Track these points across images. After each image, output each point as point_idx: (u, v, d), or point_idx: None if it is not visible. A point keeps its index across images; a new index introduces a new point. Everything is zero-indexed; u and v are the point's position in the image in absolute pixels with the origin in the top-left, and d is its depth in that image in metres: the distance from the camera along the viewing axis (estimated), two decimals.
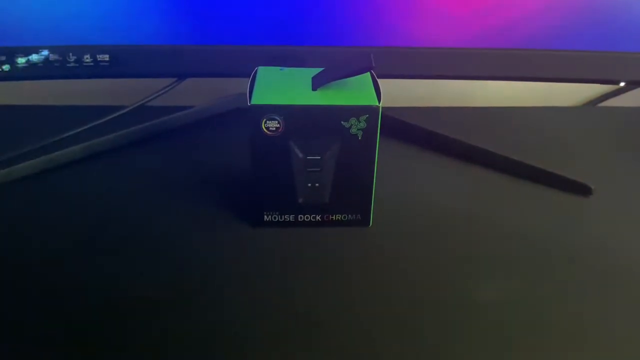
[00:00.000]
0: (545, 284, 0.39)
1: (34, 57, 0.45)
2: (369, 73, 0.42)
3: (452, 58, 0.48)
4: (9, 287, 0.38)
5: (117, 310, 0.36)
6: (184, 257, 0.41)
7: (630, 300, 0.38)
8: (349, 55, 0.47)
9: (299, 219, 0.43)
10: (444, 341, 0.35)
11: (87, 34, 0.45)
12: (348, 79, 0.41)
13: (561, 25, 0.47)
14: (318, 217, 0.43)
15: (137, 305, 0.37)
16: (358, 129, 0.39)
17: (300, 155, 0.40)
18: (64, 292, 0.38)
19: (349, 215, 0.43)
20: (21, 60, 0.45)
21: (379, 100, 0.39)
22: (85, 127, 0.50)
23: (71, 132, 0.50)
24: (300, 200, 0.42)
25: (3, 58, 0.46)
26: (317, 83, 0.40)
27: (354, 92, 0.40)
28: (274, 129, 0.39)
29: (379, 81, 0.41)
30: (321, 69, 0.41)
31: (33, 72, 0.46)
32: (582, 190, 0.48)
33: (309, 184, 0.42)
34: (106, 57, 0.46)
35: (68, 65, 0.46)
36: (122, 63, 0.47)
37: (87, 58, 0.46)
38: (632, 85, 0.54)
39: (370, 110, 0.39)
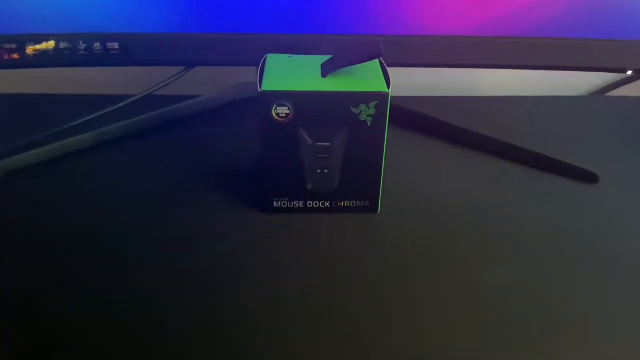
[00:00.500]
0: (552, 272, 0.39)
1: (44, 45, 0.46)
2: (377, 60, 0.42)
3: (459, 46, 0.48)
4: (17, 274, 0.38)
5: (125, 299, 0.37)
6: (193, 244, 0.41)
7: (638, 287, 0.38)
8: (356, 44, 0.47)
9: (308, 206, 0.43)
10: (452, 329, 0.35)
11: (97, 22, 0.46)
12: (357, 66, 0.41)
13: (568, 13, 0.47)
14: (327, 204, 0.43)
15: (146, 294, 0.37)
16: (367, 116, 0.40)
17: (310, 141, 0.41)
18: (72, 280, 0.38)
19: (358, 202, 0.43)
20: (31, 48, 0.46)
21: (389, 87, 0.39)
22: (94, 115, 0.51)
23: (80, 121, 0.50)
24: (310, 187, 0.43)
25: (14, 46, 0.46)
26: (327, 70, 0.41)
27: (364, 78, 0.40)
28: (284, 115, 0.39)
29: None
30: (330, 56, 0.42)
31: (43, 60, 0.46)
32: (589, 178, 0.48)
33: (318, 171, 0.42)
34: (116, 45, 0.46)
35: (78, 53, 0.46)
36: (132, 51, 0.47)
37: (97, 46, 0.46)
38: (639, 74, 0.54)
39: (380, 97, 0.39)
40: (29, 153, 0.48)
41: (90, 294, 0.37)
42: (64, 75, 0.58)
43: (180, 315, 0.35)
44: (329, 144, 0.41)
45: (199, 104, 0.56)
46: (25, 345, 0.33)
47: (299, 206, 0.43)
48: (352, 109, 0.39)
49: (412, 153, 0.52)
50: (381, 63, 0.42)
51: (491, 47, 0.48)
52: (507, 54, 0.49)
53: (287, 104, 0.39)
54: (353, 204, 0.43)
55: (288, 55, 0.44)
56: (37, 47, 0.46)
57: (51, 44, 0.46)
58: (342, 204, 0.43)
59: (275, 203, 0.43)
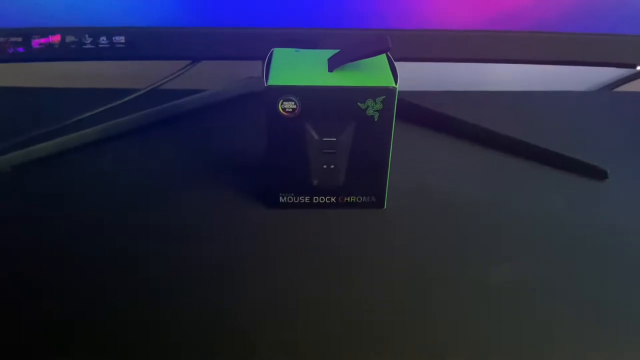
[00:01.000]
0: (560, 267, 0.39)
1: (50, 39, 0.46)
2: (384, 55, 0.42)
3: (467, 41, 0.48)
4: (23, 266, 0.38)
5: (134, 292, 0.37)
6: (199, 239, 0.41)
7: None
8: (361, 38, 0.47)
9: (314, 201, 0.43)
10: (460, 325, 0.35)
11: (103, 16, 0.46)
12: (364, 60, 0.41)
13: (576, 8, 0.47)
14: (333, 199, 0.43)
15: (152, 287, 0.37)
16: (374, 111, 0.39)
17: (316, 136, 0.40)
18: (76, 273, 0.38)
19: (364, 197, 0.43)
20: (37, 42, 0.46)
21: (396, 82, 0.39)
22: (100, 109, 0.51)
23: (86, 115, 0.50)
24: (316, 182, 0.42)
25: (19, 39, 0.46)
26: (334, 64, 0.40)
27: (371, 73, 0.40)
28: (291, 110, 0.39)
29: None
30: (336, 50, 0.41)
31: (49, 54, 0.46)
32: (598, 174, 0.47)
33: (324, 166, 0.42)
34: (122, 39, 0.46)
35: (84, 47, 0.46)
36: (138, 45, 0.47)
37: (103, 40, 0.46)
38: None
39: (387, 92, 0.39)
40: (36, 147, 0.48)
41: (96, 286, 0.37)
42: (70, 69, 0.58)
43: (186, 310, 0.35)
44: (335, 139, 0.41)
45: (205, 98, 0.56)
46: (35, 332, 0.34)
47: (305, 201, 0.43)
48: (359, 104, 0.39)
49: (418, 148, 0.51)
50: (388, 57, 0.42)
51: (499, 42, 0.48)
52: (515, 49, 0.48)
53: (293, 98, 0.39)
54: (359, 199, 0.43)
55: (294, 49, 0.43)
56: (43, 40, 0.46)
57: (57, 38, 0.46)
58: (348, 199, 0.43)
59: (281, 198, 0.43)
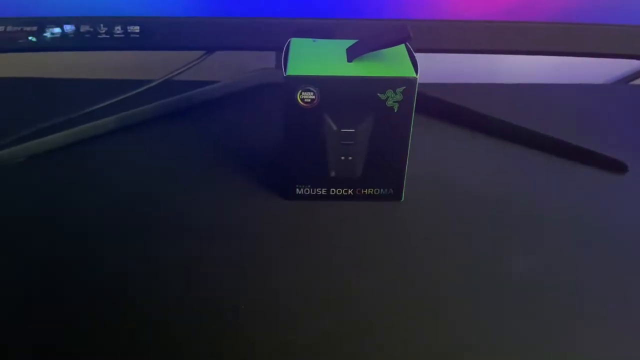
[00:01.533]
0: (579, 261, 0.39)
1: (66, 28, 0.45)
2: (404, 45, 0.42)
3: (486, 31, 0.47)
4: (37, 257, 0.38)
5: (149, 283, 0.37)
6: (214, 231, 0.41)
7: None
8: (378, 29, 0.46)
9: (331, 193, 0.43)
10: (477, 317, 0.35)
11: (118, 5, 0.45)
12: (383, 50, 0.40)
13: None
14: (350, 191, 0.43)
15: (167, 277, 0.37)
16: (394, 102, 0.39)
17: (334, 127, 0.40)
18: (92, 263, 0.38)
19: (381, 190, 0.43)
20: (52, 31, 0.45)
21: (417, 72, 0.38)
22: (114, 100, 0.50)
23: (100, 105, 0.50)
24: (333, 174, 0.42)
25: (34, 28, 0.45)
26: (352, 54, 0.40)
27: (390, 63, 0.39)
28: (309, 100, 0.39)
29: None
30: (354, 40, 0.41)
31: (64, 44, 0.46)
32: (618, 167, 0.47)
33: (342, 157, 0.41)
34: (137, 28, 0.46)
35: (99, 36, 0.46)
36: (153, 35, 0.46)
37: (118, 30, 0.46)
38: None
39: (408, 82, 0.38)
40: (50, 137, 0.48)
41: (111, 276, 0.37)
42: (84, 59, 0.58)
43: (201, 301, 0.35)
44: (353, 130, 0.40)
45: (219, 90, 0.56)
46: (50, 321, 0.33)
47: (321, 193, 0.43)
48: (378, 94, 0.38)
49: (434, 140, 0.51)
50: (408, 48, 0.41)
51: (517, 33, 0.48)
52: (533, 40, 0.48)
53: (312, 89, 0.38)
54: (376, 191, 0.43)
55: (312, 39, 0.43)
56: (57, 30, 0.45)
57: (71, 28, 0.45)
58: (366, 191, 0.43)
59: (297, 190, 0.43)
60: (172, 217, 0.42)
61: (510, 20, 0.47)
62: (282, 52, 0.41)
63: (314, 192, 0.43)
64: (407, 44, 0.41)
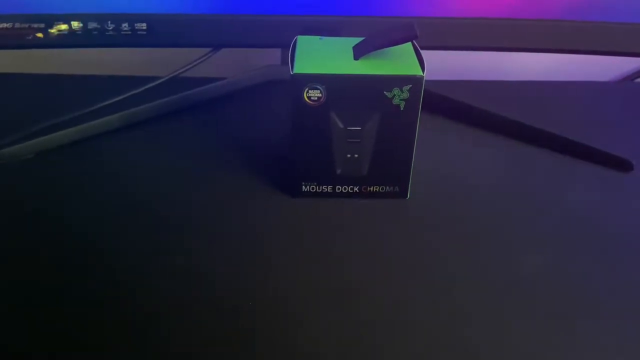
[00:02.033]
0: (584, 259, 0.39)
1: (73, 25, 0.45)
2: (410, 43, 0.42)
3: (493, 29, 0.47)
4: (44, 253, 0.39)
5: (155, 279, 0.37)
6: (220, 227, 0.41)
7: None
8: (384, 26, 0.46)
9: (337, 190, 0.43)
10: (484, 314, 0.35)
11: (125, 2, 0.45)
12: (389, 48, 0.40)
13: None
14: (356, 189, 0.43)
15: (172, 275, 0.37)
16: (400, 100, 0.39)
17: (341, 125, 0.40)
18: (98, 260, 0.38)
19: (387, 187, 0.43)
20: (60, 28, 0.45)
21: (423, 70, 0.38)
22: (120, 97, 0.50)
23: (107, 102, 0.50)
24: (339, 171, 0.42)
25: (42, 25, 0.46)
26: (359, 52, 0.40)
27: (397, 61, 0.39)
28: (316, 98, 0.39)
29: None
30: (361, 38, 0.41)
31: (71, 40, 0.46)
32: (624, 165, 0.47)
33: (348, 155, 0.41)
34: (144, 25, 0.46)
35: (106, 33, 0.46)
36: (160, 32, 0.47)
37: (125, 27, 0.46)
38: None
39: (414, 80, 0.38)
40: (57, 134, 0.48)
41: (117, 272, 0.37)
42: (91, 56, 0.58)
43: (205, 297, 0.35)
44: (360, 128, 0.40)
45: (225, 87, 0.56)
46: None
47: (327, 191, 0.43)
48: (385, 92, 0.39)
49: (441, 137, 0.51)
50: (414, 46, 0.41)
51: (521, 30, 0.47)
52: (537, 37, 0.48)
53: (319, 87, 0.38)
54: (382, 189, 0.43)
55: (318, 37, 0.43)
56: (65, 27, 0.46)
57: (79, 24, 0.46)
58: (372, 189, 0.43)
59: (303, 187, 0.43)
60: (178, 214, 0.42)
61: (516, 18, 0.47)
62: (288, 50, 0.41)
63: (320, 190, 0.43)
64: (414, 41, 0.41)
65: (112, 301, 0.35)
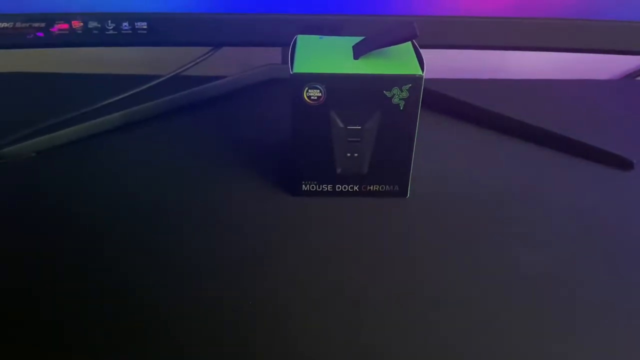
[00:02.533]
0: (586, 258, 0.39)
1: (74, 24, 0.45)
2: (410, 42, 0.42)
3: (494, 28, 0.47)
4: (46, 252, 0.39)
5: (157, 277, 0.37)
6: (222, 226, 0.41)
7: None
8: (386, 25, 0.46)
9: (337, 189, 0.43)
10: (483, 313, 0.35)
11: (126, 2, 0.45)
12: (389, 48, 0.40)
13: None
14: (356, 187, 0.43)
15: (174, 272, 0.37)
16: (400, 99, 0.39)
17: (341, 125, 0.40)
18: (99, 258, 0.38)
19: (387, 186, 0.43)
20: (60, 27, 0.46)
21: (423, 70, 0.38)
22: (122, 96, 0.51)
23: (108, 101, 0.50)
24: (339, 170, 0.42)
25: (42, 25, 0.46)
26: (359, 52, 0.40)
27: (397, 61, 0.39)
28: (316, 98, 0.39)
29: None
30: (361, 37, 0.41)
31: (72, 39, 0.46)
32: (624, 164, 0.47)
33: (348, 154, 0.42)
34: (144, 24, 0.46)
35: (107, 32, 0.46)
36: (160, 31, 0.47)
37: (125, 26, 0.46)
38: None
39: (414, 80, 0.38)
40: (59, 132, 0.48)
41: (119, 271, 0.37)
42: (92, 55, 0.58)
43: (206, 296, 0.36)
44: (359, 127, 0.40)
45: (225, 85, 0.56)
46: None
47: (327, 190, 0.43)
48: (385, 92, 0.39)
49: (441, 136, 0.51)
50: (414, 45, 0.41)
51: (523, 29, 0.47)
52: (539, 36, 0.48)
53: (319, 86, 0.39)
54: (382, 188, 0.43)
55: (318, 36, 0.43)
56: (65, 26, 0.46)
57: (79, 24, 0.46)
58: (372, 188, 0.43)
59: (304, 186, 0.43)
60: (178, 212, 0.42)
61: (517, 17, 0.47)
62: (288, 48, 0.41)
63: (320, 189, 0.43)
64: (414, 40, 0.41)
65: (111, 300, 0.35)
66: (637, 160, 0.47)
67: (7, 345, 0.32)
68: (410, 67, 0.39)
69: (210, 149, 0.49)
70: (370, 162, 0.42)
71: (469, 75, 0.63)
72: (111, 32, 0.46)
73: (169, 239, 0.40)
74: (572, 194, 0.45)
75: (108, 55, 0.59)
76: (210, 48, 0.52)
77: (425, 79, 0.38)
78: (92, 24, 0.46)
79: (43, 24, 0.46)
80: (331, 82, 0.38)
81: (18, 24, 0.46)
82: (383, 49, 0.40)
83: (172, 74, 0.52)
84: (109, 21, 0.46)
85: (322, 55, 0.40)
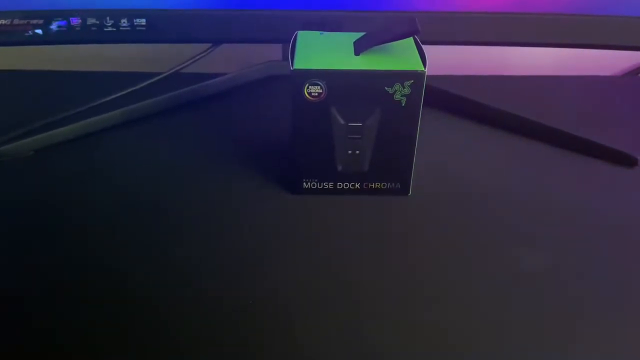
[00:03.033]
0: (589, 255, 0.39)
1: (72, 21, 0.45)
2: (412, 38, 0.41)
3: (496, 23, 0.47)
4: (46, 250, 0.38)
5: (155, 275, 0.37)
6: (222, 224, 0.41)
7: None
8: (387, 21, 0.46)
9: (338, 187, 0.43)
10: (485, 311, 0.35)
11: None
12: (391, 43, 0.40)
13: None
14: (357, 185, 0.43)
15: (173, 270, 0.37)
16: (402, 95, 0.38)
17: (342, 121, 0.40)
18: (100, 256, 0.38)
19: (389, 184, 0.43)
20: (59, 24, 0.45)
21: (425, 66, 0.38)
22: (121, 93, 0.50)
23: (107, 98, 0.50)
24: (340, 168, 0.42)
25: (40, 22, 0.45)
26: (360, 48, 0.39)
27: (398, 57, 0.39)
28: (316, 94, 0.38)
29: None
30: (362, 33, 0.40)
31: (70, 37, 0.46)
32: (628, 161, 0.46)
33: (349, 152, 0.41)
34: (143, 21, 0.46)
35: (105, 29, 0.46)
36: (159, 28, 0.46)
37: (124, 22, 0.46)
38: None
39: (416, 76, 0.38)
40: (58, 130, 0.48)
41: (119, 269, 0.37)
42: (91, 52, 0.58)
43: (207, 294, 0.35)
44: (361, 124, 0.40)
45: (225, 82, 0.56)
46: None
47: (328, 187, 0.43)
48: (386, 88, 0.38)
49: (443, 133, 0.50)
50: (415, 40, 0.41)
51: (525, 24, 0.47)
52: (541, 31, 0.47)
53: (319, 83, 0.38)
54: (384, 185, 0.43)
55: (319, 32, 0.43)
56: (64, 23, 0.45)
57: (78, 20, 0.45)
58: (373, 185, 0.43)
59: (304, 184, 0.43)
60: (178, 210, 0.42)
61: (518, 12, 0.47)
62: (288, 45, 0.41)
63: (321, 186, 0.43)
64: (415, 36, 0.41)
65: (111, 299, 0.35)
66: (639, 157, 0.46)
67: (7, 345, 0.32)
68: (412, 63, 0.38)
69: (210, 146, 0.49)
70: (372, 159, 0.41)
71: (470, 71, 0.62)
72: (110, 29, 0.46)
73: (168, 237, 0.40)
74: (575, 190, 0.44)
75: (107, 53, 0.58)
76: (209, 45, 0.51)
77: (427, 76, 0.38)
78: (91, 21, 0.46)
79: (41, 21, 0.45)
80: (332, 79, 0.38)
81: (16, 21, 0.45)
82: (384, 44, 0.40)
83: (171, 71, 0.52)
84: (108, 18, 0.45)
85: (323, 52, 0.40)
